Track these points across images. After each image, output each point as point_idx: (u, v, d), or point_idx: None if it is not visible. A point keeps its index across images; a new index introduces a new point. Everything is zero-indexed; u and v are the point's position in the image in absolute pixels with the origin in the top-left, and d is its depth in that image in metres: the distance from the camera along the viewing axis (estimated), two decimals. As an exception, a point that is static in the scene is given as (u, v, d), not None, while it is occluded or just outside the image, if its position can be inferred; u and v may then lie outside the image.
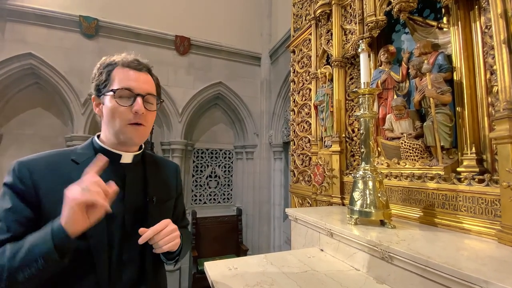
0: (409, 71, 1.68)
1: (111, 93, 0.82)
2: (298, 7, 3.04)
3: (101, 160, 0.72)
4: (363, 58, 1.53)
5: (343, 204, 2.08)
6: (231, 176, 5.59)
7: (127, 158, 0.91)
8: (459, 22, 1.43)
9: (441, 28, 1.59)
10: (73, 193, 0.66)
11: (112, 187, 0.71)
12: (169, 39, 4.70)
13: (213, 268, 1.24)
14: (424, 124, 1.51)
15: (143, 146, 1.00)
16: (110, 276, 0.81)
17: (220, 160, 5.52)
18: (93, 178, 0.69)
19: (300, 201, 2.76)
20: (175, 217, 1.08)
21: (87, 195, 0.65)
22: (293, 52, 3.07)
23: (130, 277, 0.85)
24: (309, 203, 2.55)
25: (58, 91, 4.13)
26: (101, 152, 0.86)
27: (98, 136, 0.92)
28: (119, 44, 4.38)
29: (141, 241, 0.79)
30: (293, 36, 3.08)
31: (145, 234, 0.80)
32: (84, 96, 4.13)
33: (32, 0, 3.85)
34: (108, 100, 0.83)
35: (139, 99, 0.82)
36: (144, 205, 0.91)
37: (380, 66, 1.93)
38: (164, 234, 0.82)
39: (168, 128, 4.81)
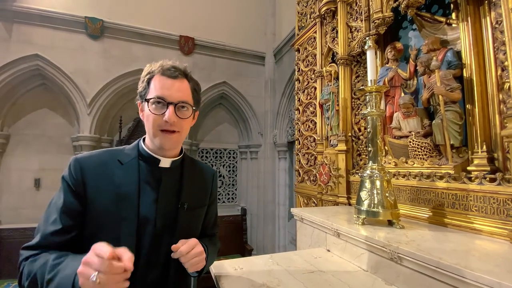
0: (417, 68, 1.65)
1: (146, 102, 0.87)
2: (303, 5, 3.02)
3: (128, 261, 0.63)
4: (369, 55, 1.51)
5: (349, 204, 2.06)
6: (236, 175, 5.59)
7: (165, 162, 0.94)
8: (469, 18, 1.40)
9: (450, 24, 1.56)
10: (83, 278, 0.61)
11: (125, 257, 0.63)
12: (174, 39, 4.72)
13: (219, 268, 1.24)
14: (433, 122, 1.48)
15: (183, 151, 1.03)
16: (135, 276, 0.82)
17: (225, 160, 5.52)
18: (104, 265, 0.59)
19: (305, 201, 2.74)
20: (206, 225, 1.09)
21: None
22: (298, 50, 3.04)
23: (154, 279, 0.88)
24: (314, 203, 2.53)
25: (64, 92, 4.17)
26: (142, 155, 0.92)
27: (144, 139, 0.96)
28: (124, 45, 4.41)
29: (174, 256, 0.85)
30: (298, 35, 3.05)
31: (175, 253, 0.85)
32: (90, 97, 4.17)
33: (38, 1, 3.90)
34: (145, 108, 0.88)
35: (170, 108, 0.85)
36: (175, 210, 0.93)
37: (387, 63, 1.90)
38: (190, 257, 0.85)
39: (173, 128, 4.82)
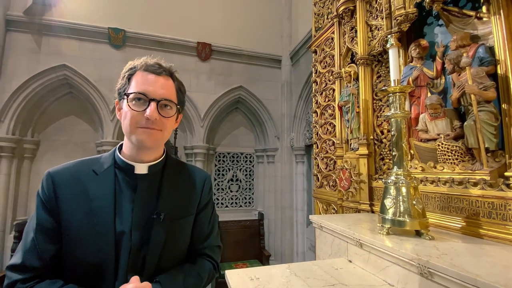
0: (445, 66, 1.54)
1: (126, 97, 0.80)
2: (320, 6, 2.96)
3: None
4: (392, 54, 1.43)
5: (372, 211, 1.96)
6: (252, 180, 5.56)
7: (141, 169, 0.86)
8: (501, 11, 1.30)
9: (480, 18, 1.45)
10: None
11: None
12: (191, 46, 4.80)
13: (234, 278, 1.20)
14: (465, 123, 1.37)
15: (164, 154, 0.93)
16: None
17: (242, 164, 5.51)
18: None
19: (324, 207, 2.65)
20: (195, 237, 0.95)
21: None
22: (315, 52, 2.98)
23: None
24: (334, 209, 2.43)
25: (89, 99, 4.36)
26: (115, 163, 0.86)
27: (121, 146, 0.89)
28: (144, 53, 4.31)
29: None
30: (315, 36, 3.00)
31: None
32: (112, 104, 4.33)
33: (65, 15, 4.12)
34: (124, 104, 0.81)
35: (152, 104, 0.78)
36: (151, 221, 0.83)
37: (411, 62, 1.80)
38: None
39: (191, 132, 4.90)
